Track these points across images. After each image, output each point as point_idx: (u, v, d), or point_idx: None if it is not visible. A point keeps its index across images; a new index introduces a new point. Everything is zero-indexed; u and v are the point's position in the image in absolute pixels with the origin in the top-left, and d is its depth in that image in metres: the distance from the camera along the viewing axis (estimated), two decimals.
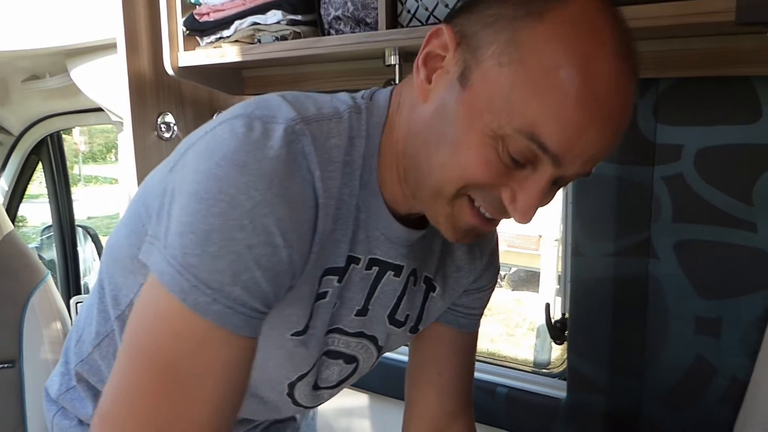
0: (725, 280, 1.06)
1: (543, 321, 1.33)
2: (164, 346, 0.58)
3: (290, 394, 0.82)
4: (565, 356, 1.30)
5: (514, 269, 7.57)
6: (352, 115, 0.69)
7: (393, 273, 0.77)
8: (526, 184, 0.61)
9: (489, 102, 0.59)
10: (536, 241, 6.69)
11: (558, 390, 1.31)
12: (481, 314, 0.93)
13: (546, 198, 0.64)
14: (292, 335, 0.72)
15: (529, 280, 7.31)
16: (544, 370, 1.40)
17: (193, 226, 0.57)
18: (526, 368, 1.41)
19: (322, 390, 0.85)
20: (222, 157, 0.59)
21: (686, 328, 1.11)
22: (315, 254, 0.65)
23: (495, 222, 0.67)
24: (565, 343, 1.29)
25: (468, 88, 0.60)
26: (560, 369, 1.37)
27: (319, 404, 0.89)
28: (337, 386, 0.86)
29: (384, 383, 1.50)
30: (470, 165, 0.61)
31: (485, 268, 0.89)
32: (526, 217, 0.63)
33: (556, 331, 1.33)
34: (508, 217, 0.65)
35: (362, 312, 0.78)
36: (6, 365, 1.75)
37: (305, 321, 0.72)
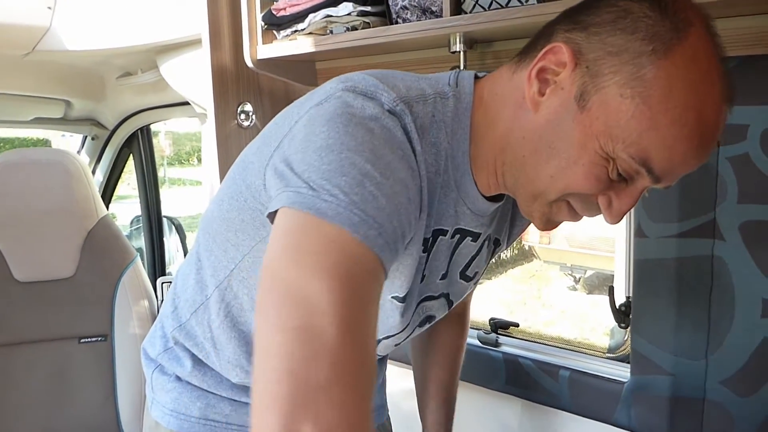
0: None
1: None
2: (350, 272, 0.56)
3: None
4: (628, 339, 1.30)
5: (590, 272, 7.41)
6: (437, 99, 0.73)
7: (471, 239, 0.84)
8: (622, 194, 0.68)
9: (606, 127, 0.64)
10: (613, 242, 6.52)
11: (622, 372, 1.32)
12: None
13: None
14: (392, 297, 0.79)
15: (605, 283, 7.13)
16: (608, 354, 1.41)
17: (343, 170, 0.60)
18: (589, 351, 1.42)
19: (400, 345, 0.93)
20: (348, 120, 0.64)
21: (752, 310, 1.10)
22: (421, 221, 0.71)
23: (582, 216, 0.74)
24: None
25: (586, 110, 0.65)
26: (626, 352, 1.37)
27: None
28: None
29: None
30: (579, 180, 0.67)
31: None
32: (618, 220, 0.70)
33: (620, 314, 1.33)
34: (597, 214, 0.72)
35: (445, 275, 0.85)
36: (99, 338, 1.90)
37: (406, 287, 0.78)
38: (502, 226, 0.90)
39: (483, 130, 0.74)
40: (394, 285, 0.77)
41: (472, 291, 1.11)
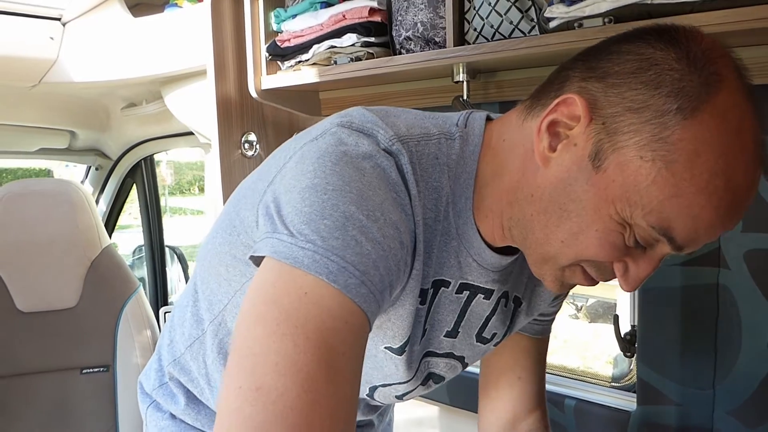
0: None
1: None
2: (322, 326, 0.53)
3: (370, 395, 0.85)
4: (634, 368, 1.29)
5: (592, 301, 7.37)
6: (442, 140, 0.68)
7: (483, 296, 0.77)
8: (639, 261, 0.63)
9: (624, 191, 0.58)
10: None
11: (628, 402, 1.31)
12: (554, 319, 0.95)
13: None
14: (384, 348, 0.74)
15: (607, 312, 7.08)
16: (614, 384, 1.39)
17: (324, 213, 0.56)
18: (595, 380, 1.40)
19: (404, 400, 0.88)
20: (339, 159, 0.60)
21: (759, 339, 1.09)
22: (415, 270, 0.66)
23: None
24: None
25: (601, 171, 0.59)
26: (632, 381, 1.36)
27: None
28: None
29: (454, 396, 1.53)
30: (593, 246, 0.61)
31: None
32: (635, 287, 0.64)
33: (626, 343, 1.32)
34: (613, 278, 0.66)
35: (452, 334, 0.79)
36: (101, 369, 1.89)
37: (401, 338, 0.72)
38: (521, 282, 0.82)
39: (488, 177, 0.69)
40: (386, 335, 0.72)
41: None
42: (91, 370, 1.90)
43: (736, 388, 1.13)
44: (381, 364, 0.77)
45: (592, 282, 0.66)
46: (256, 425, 0.48)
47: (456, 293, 0.75)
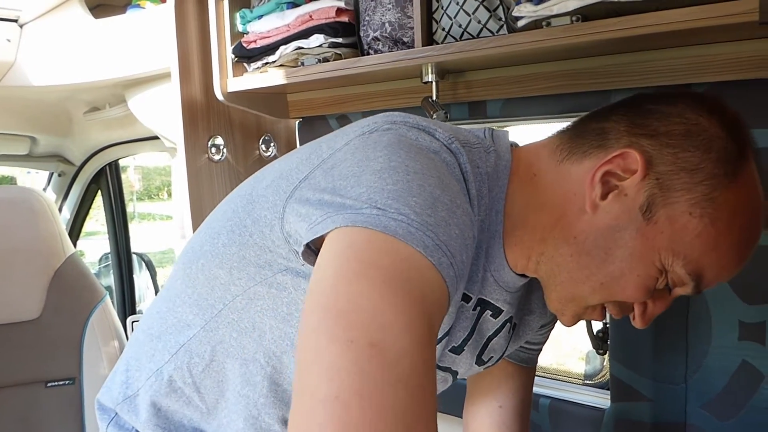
0: None
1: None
2: (423, 295, 0.49)
3: None
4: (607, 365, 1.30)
5: None
6: (480, 150, 0.69)
7: (491, 313, 0.77)
8: (658, 301, 0.69)
9: (670, 242, 0.64)
10: None
11: (602, 400, 1.31)
12: (541, 349, 0.96)
13: None
14: None
15: None
16: (588, 381, 1.40)
17: (412, 191, 0.54)
18: (569, 379, 1.41)
19: None
20: (410, 147, 0.59)
21: (729, 333, 1.10)
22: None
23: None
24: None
25: (651, 223, 0.64)
26: (605, 379, 1.37)
27: None
28: None
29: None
30: (630, 289, 0.66)
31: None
32: (647, 324, 0.70)
33: (598, 341, 1.33)
34: (625, 315, 0.72)
35: (457, 350, 0.79)
36: (67, 382, 1.84)
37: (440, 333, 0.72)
38: (520, 307, 0.83)
39: (519, 207, 0.70)
40: None
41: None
42: (56, 383, 1.84)
43: (708, 382, 1.14)
44: None
45: (603, 318, 0.72)
46: (377, 384, 0.43)
47: (472, 310, 0.75)
